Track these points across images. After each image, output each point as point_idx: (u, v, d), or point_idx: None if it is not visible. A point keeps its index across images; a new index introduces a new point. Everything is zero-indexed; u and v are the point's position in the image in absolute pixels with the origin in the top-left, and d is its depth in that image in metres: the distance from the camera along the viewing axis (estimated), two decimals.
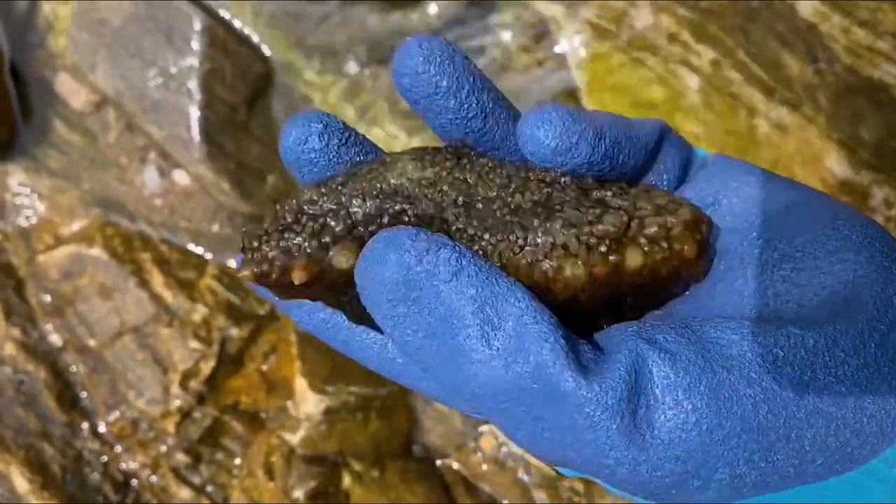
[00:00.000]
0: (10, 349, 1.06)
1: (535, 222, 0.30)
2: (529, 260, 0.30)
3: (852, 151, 0.96)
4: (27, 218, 1.12)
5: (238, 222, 1.10)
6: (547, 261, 0.29)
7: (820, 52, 0.97)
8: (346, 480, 1.02)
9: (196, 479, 1.03)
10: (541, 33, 1.05)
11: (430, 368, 0.29)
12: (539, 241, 0.30)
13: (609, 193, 0.31)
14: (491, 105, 0.32)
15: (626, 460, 0.27)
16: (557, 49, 1.04)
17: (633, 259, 0.30)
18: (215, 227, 1.11)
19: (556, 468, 0.31)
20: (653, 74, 1.00)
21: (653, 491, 0.28)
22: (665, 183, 0.34)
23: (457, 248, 0.28)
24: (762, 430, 0.27)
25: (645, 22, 1.01)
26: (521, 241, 0.30)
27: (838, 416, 0.27)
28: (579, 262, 0.29)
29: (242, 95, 1.05)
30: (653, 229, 0.30)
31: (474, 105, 0.32)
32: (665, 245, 0.30)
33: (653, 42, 1.01)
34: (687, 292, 0.32)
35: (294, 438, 1.00)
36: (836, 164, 0.95)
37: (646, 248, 0.30)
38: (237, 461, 1.04)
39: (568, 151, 0.31)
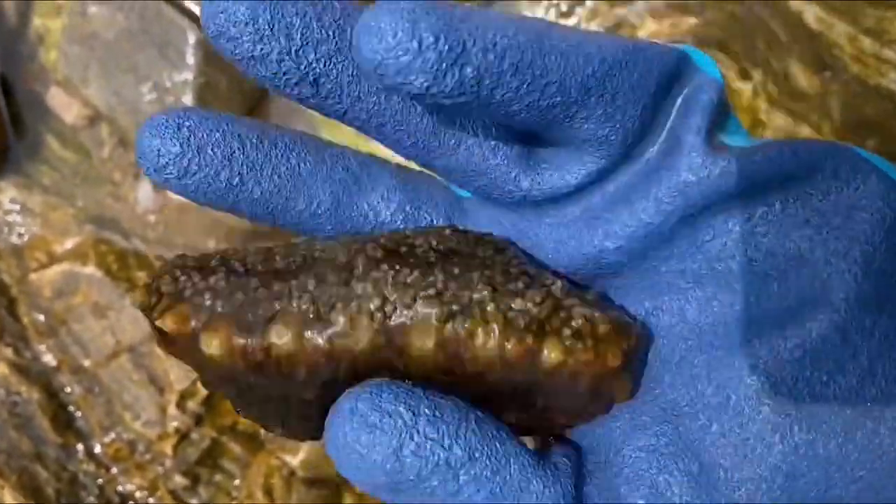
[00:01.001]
0: (2, 370, 1.04)
1: (456, 270, 0.25)
2: (443, 313, 0.24)
3: None
4: (19, 235, 1.10)
5: (233, 239, 1.08)
6: (461, 319, 0.24)
7: (827, 61, 0.95)
8: (348, 502, 1.00)
9: (194, 501, 1.01)
10: None
11: None
12: (455, 292, 0.25)
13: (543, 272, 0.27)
14: (324, 64, 0.24)
15: None
16: None
17: (552, 352, 0.24)
18: (211, 243, 1.09)
19: None
20: None
21: None
22: (610, 139, 0.25)
23: (424, 440, 0.24)
24: None
25: (647, 31, 0.99)
26: (437, 288, 0.25)
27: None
28: (495, 332, 0.24)
29: (238, 110, 1.03)
30: (579, 321, 0.25)
31: (294, 70, 0.24)
32: (590, 344, 0.25)
33: None
34: (609, 412, 0.27)
35: (294, 460, 0.97)
36: None
37: (567, 343, 0.25)
38: (236, 482, 1.02)
39: (396, 75, 0.21)
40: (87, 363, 1.04)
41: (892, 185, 0.26)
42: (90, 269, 1.05)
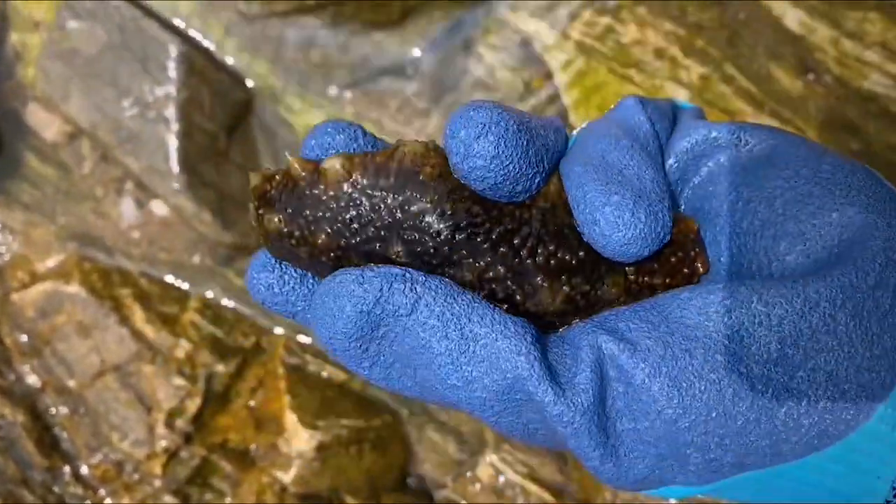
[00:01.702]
0: None
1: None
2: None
3: None
4: (0, 255, 1.08)
5: (219, 253, 1.07)
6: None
7: (810, 64, 0.96)
8: None
9: None
10: (526, 52, 1.03)
11: (416, 396, 0.30)
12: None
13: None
14: (524, 170, 0.30)
15: (609, 462, 0.28)
16: (543, 68, 1.02)
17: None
18: (196, 259, 1.08)
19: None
20: (640, 91, 0.99)
21: (639, 482, 0.28)
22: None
23: (407, 277, 0.28)
24: (729, 415, 0.26)
25: (631, 38, 0.99)
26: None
27: (809, 394, 0.26)
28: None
29: (222, 123, 1.02)
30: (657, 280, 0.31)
31: (504, 183, 0.30)
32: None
33: (640, 58, 0.99)
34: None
35: (286, 476, 0.96)
36: None
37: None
38: (227, 500, 1.00)
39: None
40: (72, 383, 1.02)
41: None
42: (74, 288, 1.04)
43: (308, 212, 0.29)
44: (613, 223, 0.28)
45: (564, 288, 0.30)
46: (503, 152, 0.28)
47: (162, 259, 1.08)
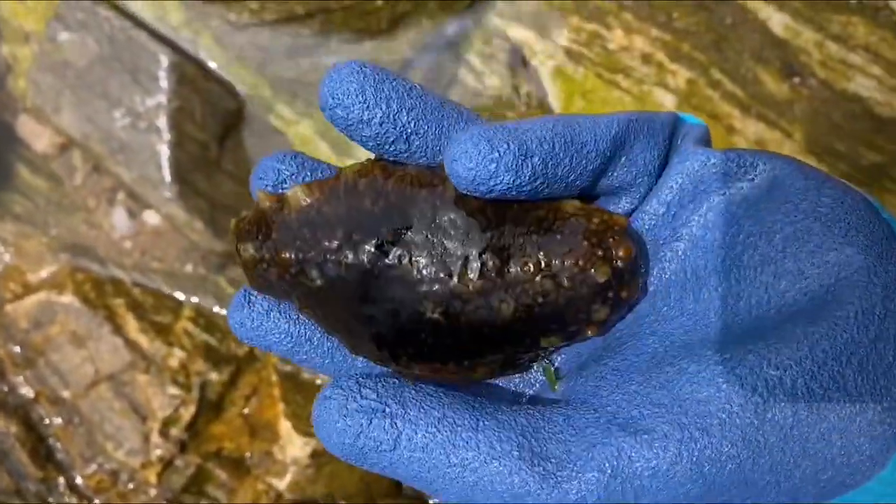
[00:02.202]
0: None
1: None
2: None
3: (831, 165, 0.96)
4: None
5: (212, 261, 1.07)
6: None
7: (795, 67, 0.97)
8: None
9: None
10: (514, 59, 1.04)
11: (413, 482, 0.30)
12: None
13: (517, 233, 0.31)
14: (413, 125, 0.31)
15: None
16: (531, 74, 1.03)
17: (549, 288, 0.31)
18: (188, 268, 1.08)
19: None
20: (628, 96, 1.00)
21: None
22: (637, 182, 0.33)
23: (387, 412, 0.29)
24: (750, 483, 0.27)
25: (618, 44, 1.00)
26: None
27: (825, 453, 0.27)
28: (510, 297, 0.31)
29: (213, 132, 1.02)
30: (567, 273, 0.31)
31: (391, 130, 0.31)
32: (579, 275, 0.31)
33: (627, 64, 1.00)
34: (629, 314, 0.32)
35: (281, 483, 0.96)
36: None
37: (564, 284, 0.31)
38: None
39: (489, 180, 0.29)
40: (66, 394, 1.02)
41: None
42: (67, 298, 1.04)
43: (275, 235, 0.32)
44: (454, 139, 0.30)
45: (475, 265, 0.31)
46: (369, 97, 0.30)
47: (154, 268, 1.08)
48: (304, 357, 0.33)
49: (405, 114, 0.31)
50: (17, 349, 1.04)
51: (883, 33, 0.96)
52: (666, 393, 0.27)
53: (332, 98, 0.30)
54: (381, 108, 0.31)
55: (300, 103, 1.08)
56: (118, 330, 1.02)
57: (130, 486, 1.00)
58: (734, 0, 0.99)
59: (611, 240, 0.31)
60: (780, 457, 0.27)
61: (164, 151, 0.99)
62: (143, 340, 1.02)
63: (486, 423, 0.29)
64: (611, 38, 1.01)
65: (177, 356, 1.02)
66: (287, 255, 0.32)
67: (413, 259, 0.31)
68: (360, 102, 0.30)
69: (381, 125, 0.31)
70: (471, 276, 0.30)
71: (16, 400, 1.03)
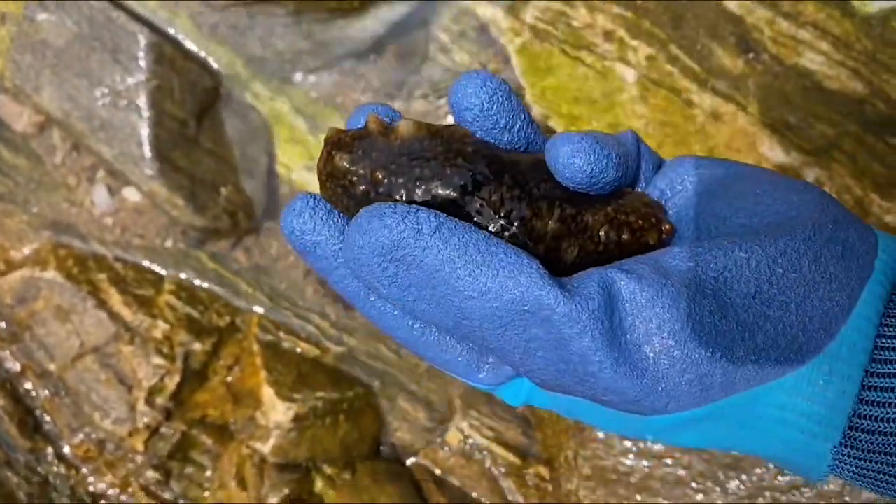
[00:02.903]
0: None
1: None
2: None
3: (783, 136, 1.01)
4: None
5: (192, 237, 1.11)
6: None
7: (749, 44, 1.02)
8: (319, 485, 1.03)
9: (167, 495, 1.03)
10: (483, 36, 1.08)
11: (429, 316, 0.33)
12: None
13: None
14: (532, 136, 0.37)
15: (608, 362, 0.31)
16: (499, 51, 1.07)
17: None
18: (168, 243, 1.11)
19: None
20: (591, 72, 1.04)
21: (633, 395, 0.31)
22: (643, 182, 0.39)
23: (432, 211, 0.32)
24: (720, 333, 0.31)
25: (582, 22, 1.05)
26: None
27: (784, 319, 0.31)
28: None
29: (191, 110, 1.05)
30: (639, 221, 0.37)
31: (522, 139, 0.36)
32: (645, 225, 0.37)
33: (590, 40, 1.05)
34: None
35: (265, 447, 1.00)
36: (768, 149, 1.00)
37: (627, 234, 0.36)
38: (208, 474, 1.04)
39: (600, 175, 0.35)
40: (52, 367, 1.05)
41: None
42: (50, 274, 1.06)
43: (375, 154, 0.34)
44: (563, 140, 0.35)
45: (557, 210, 0.35)
46: (495, 97, 0.35)
47: (136, 244, 1.11)
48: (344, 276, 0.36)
49: (530, 126, 0.37)
50: (3, 324, 1.07)
51: (830, 10, 1.01)
52: (653, 261, 0.33)
53: (475, 101, 0.35)
54: (520, 118, 0.36)
55: (275, 80, 1.11)
56: (102, 304, 1.05)
57: (118, 453, 1.04)
58: None
59: (659, 215, 0.37)
60: (745, 317, 0.31)
61: (145, 129, 1.01)
62: (127, 313, 1.05)
63: (512, 250, 0.32)
64: (575, 17, 1.06)
65: (160, 328, 1.05)
66: (381, 174, 0.33)
67: (501, 197, 0.34)
68: (507, 111, 0.35)
69: (518, 132, 0.36)
70: (551, 217, 0.34)
71: (2, 374, 1.06)
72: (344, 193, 0.34)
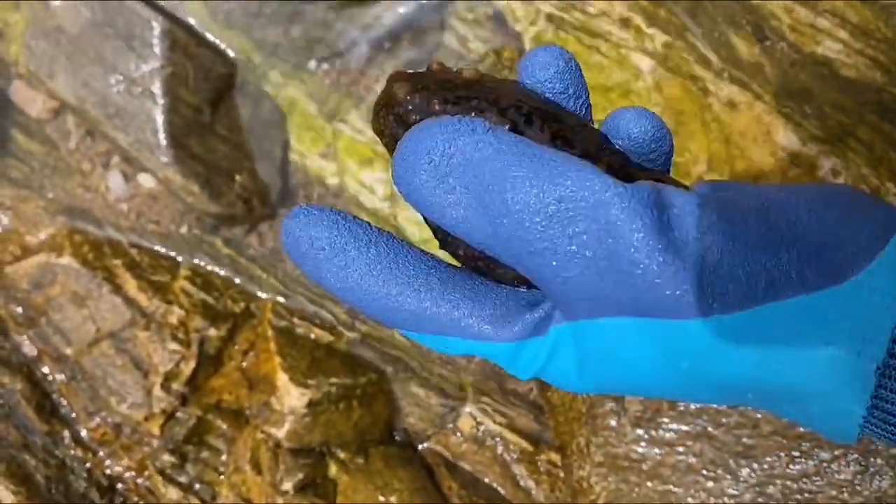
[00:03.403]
0: None
1: None
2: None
3: (799, 125, 1.00)
4: None
5: (207, 223, 1.11)
6: None
7: (766, 31, 1.01)
8: (333, 469, 1.04)
9: (183, 479, 1.04)
10: (497, 24, 1.07)
11: (464, 226, 0.31)
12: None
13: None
14: (588, 118, 0.37)
15: (657, 251, 0.29)
16: (514, 39, 1.07)
17: None
18: (184, 229, 1.12)
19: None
20: (607, 60, 1.04)
21: (678, 290, 0.30)
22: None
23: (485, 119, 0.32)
24: (764, 240, 0.30)
25: (598, 9, 1.04)
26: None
27: (825, 231, 0.31)
28: None
29: (206, 97, 1.05)
30: None
31: (585, 111, 0.37)
32: None
33: (606, 28, 1.04)
34: None
35: (279, 432, 1.02)
36: (784, 138, 1.00)
37: None
38: (223, 458, 1.05)
39: (659, 142, 0.35)
40: (68, 351, 1.06)
41: None
42: (66, 260, 1.07)
43: (433, 87, 0.34)
44: (629, 108, 0.36)
45: (605, 158, 0.34)
46: (571, 64, 0.36)
47: (151, 230, 1.12)
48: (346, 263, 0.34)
49: (588, 100, 0.37)
50: (19, 309, 1.08)
51: None
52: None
53: (544, 73, 0.35)
54: (584, 92, 0.36)
55: (290, 68, 1.11)
56: (117, 289, 1.06)
57: (134, 437, 1.05)
58: None
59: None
60: (787, 234, 0.31)
61: (159, 116, 1.02)
62: (143, 299, 1.06)
63: (561, 152, 0.32)
64: (591, 4, 1.05)
65: (176, 313, 1.06)
66: (437, 105, 0.34)
67: (552, 136, 0.34)
68: (572, 81, 0.36)
69: (581, 105, 0.36)
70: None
71: (20, 358, 1.07)
72: (397, 122, 0.34)
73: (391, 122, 0.34)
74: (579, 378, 0.33)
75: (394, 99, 0.34)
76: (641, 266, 0.30)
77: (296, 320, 1.09)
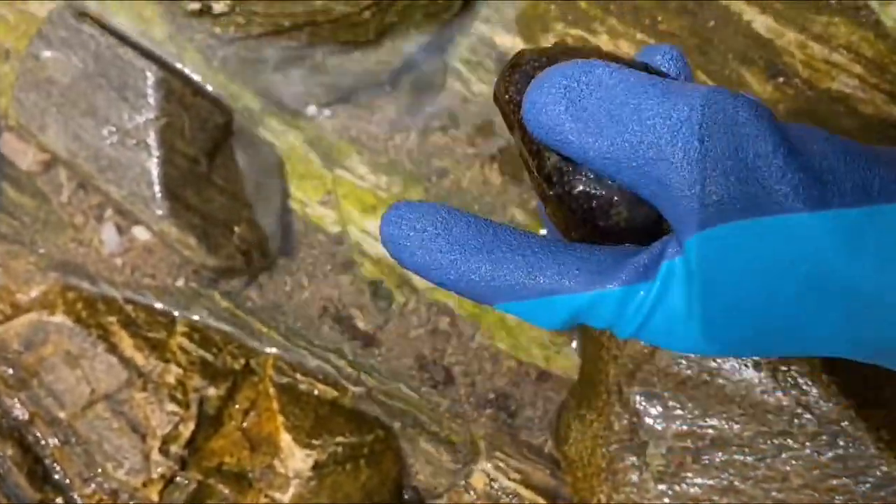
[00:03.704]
0: None
1: None
2: None
3: None
4: None
5: (204, 276, 1.07)
6: None
7: (779, 67, 0.99)
8: None
9: None
10: (500, 66, 1.04)
11: (603, 127, 0.32)
12: None
13: None
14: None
15: (780, 147, 0.31)
16: None
17: None
18: (180, 283, 1.08)
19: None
20: None
21: (800, 183, 0.30)
22: None
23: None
24: (875, 155, 0.32)
25: (605, 48, 1.01)
26: None
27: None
28: None
29: (202, 147, 1.02)
30: None
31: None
32: None
33: None
34: None
35: (284, 497, 0.97)
36: None
37: None
38: None
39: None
40: (62, 414, 1.01)
41: None
42: (59, 318, 1.03)
43: (560, 51, 0.36)
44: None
45: None
46: (683, 58, 0.41)
47: (146, 285, 1.07)
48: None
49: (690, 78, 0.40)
50: (10, 371, 1.03)
51: (863, 32, 0.97)
52: None
53: (649, 57, 0.38)
54: (678, 69, 0.39)
55: (288, 114, 1.08)
56: (113, 348, 1.02)
57: None
58: (717, 1, 1.00)
59: None
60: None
61: (154, 168, 0.98)
62: (139, 357, 1.02)
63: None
64: (597, 43, 1.02)
65: (173, 372, 1.01)
66: (563, 60, 0.35)
67: None
68: (672, 58, 0.39)
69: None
70: None
71: (10, 422, 1.03)
72: (523, 78, 0.35)
73: (517, 79, 0.36)
74: (687, 317, 0.33)
75: (522, 58, 0.36)
76: (767, 162, 0.30)
77: (298, 376, 1.05)
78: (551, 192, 0.35)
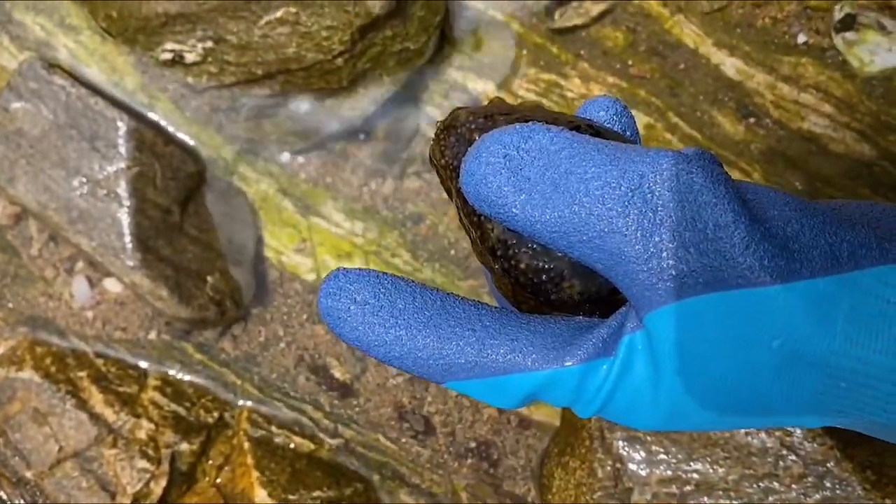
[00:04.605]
0: None
1: None
2: None
3: None
4: None
5: (176, 328, 1.05)
6: None
7: (750, 108, 0.99)
8: None
9: None
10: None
11: (539, 223, 0.30)
12: None
13: None
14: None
15: (741, 217, 0.29)
16: None
17: None
18: (152, 335, 1.06)
19: None
20: None
21: (760, 259, 0.29)
22: None
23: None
24: (842, 218, 0.31)
25: (577, 92, 1.02)
26: None
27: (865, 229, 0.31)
28: None
29: (175, 196, 1.01)
30: None
31: None
32: None
33: None
34: None
35: None
36: None
37: None
38: None
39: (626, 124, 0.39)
40: (29, 474, 0.98)
41: None
42: (27, 374, 1.00)
43: (496, 111, 0.34)
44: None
45: None
46: (626, 112, 0.39)
47: (118, 338, 1.05)
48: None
49: (633, 132, 0.38)
50: None
51: (831, 73, 0.98)
52: None
53: (595, 108, 0.37)
54: (626, 129, 0.38)
55: (261, 162, 1.07)
56: (82, 404, 0.99)
57: None
58: (686, 45, 1.01)
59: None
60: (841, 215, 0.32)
61: (125, 219, 0.97)
62: (109, 413, 0.99)
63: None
64: (569, 87, 1.03)
65: (145, 427, 0.99)
66: (501, 120, 0.34)
67: None
68: (616, 113, 0.37)
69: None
70: None
71: None
72: (459, 141, 0.34)
73: (452, 142, 0.34)
74: (653, 394, 0.30)
75: (457, 120, 0.34)
76: (729, 234, 0.28)
77: (274, 429, 1.02)
78: (496, 266, 0.33)
